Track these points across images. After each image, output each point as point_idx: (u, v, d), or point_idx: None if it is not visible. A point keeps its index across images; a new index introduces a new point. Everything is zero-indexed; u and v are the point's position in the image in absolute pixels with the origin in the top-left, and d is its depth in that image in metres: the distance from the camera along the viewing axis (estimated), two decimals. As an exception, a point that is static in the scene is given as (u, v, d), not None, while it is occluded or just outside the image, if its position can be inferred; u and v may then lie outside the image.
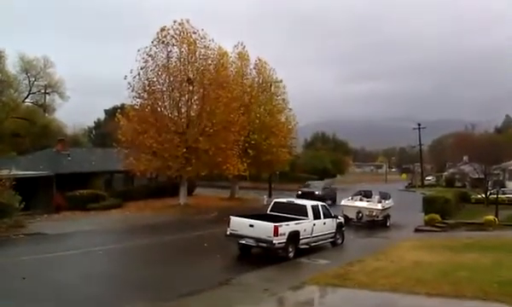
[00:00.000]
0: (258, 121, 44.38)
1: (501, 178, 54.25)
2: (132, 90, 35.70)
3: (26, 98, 54.78)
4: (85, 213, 31.26)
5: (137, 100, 36.41)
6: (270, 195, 47.33)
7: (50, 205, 31.29)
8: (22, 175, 29.23)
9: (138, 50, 35.18)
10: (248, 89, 45.77)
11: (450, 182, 72.21)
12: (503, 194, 42.88)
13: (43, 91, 54.89)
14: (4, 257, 17.87)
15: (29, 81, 53.95)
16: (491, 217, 28.19)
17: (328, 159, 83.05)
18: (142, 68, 35.37)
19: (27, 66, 53.25)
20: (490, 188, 41.34)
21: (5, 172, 26.31)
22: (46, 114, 55.84)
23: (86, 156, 41.19)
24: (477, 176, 48.61)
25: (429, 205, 31.24)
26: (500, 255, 18.17)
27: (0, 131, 49.52)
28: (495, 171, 47.44)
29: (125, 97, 37.61)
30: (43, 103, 55.45)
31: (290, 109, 49.69)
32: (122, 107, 43.28)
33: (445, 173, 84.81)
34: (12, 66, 52.39)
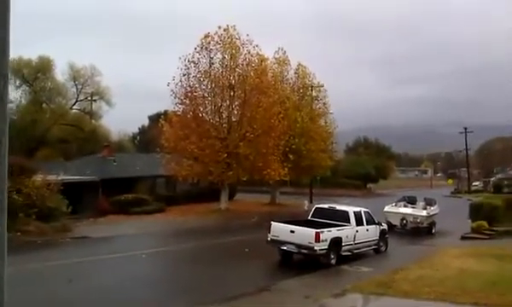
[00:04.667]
0: (298, 125, 44.24)
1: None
2: (175, 97, 36.54)
3: (73, 105, 56.60)
4: (129, 217, 31.94)
5: (180, 106, 37.22)
6: (311, 201, 47.02)
7: (96, 210, 32.24)
8: (69, 180, 30.27)
9: (180, 57, 35.90)
10: (289, 94, 45.74)
11: (498, 188, 69.63)
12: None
13: (89, 98, 56.54)
14: (52, 259, 18.45)
15: (76, 88, 55.75)
16: (542, 225, 27.01)
17: (370, 164, 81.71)
18: (184, 75, 36.13)
19: (75, 75, 55.05)
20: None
21: (53, 177, 27.28)
22: (93, 121, 57.47)
23: (131, 161, 42.16)
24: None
25: (476, 211, 30.22)
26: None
27: (48, 137, 51.44)
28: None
29: (168, 104, 38.48)
30: (90, 110, 57.08)
31: (331, 113, 49.37)
32: (165, 113, 44.17)
33: (493, 179, 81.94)
34: (61, 75, 54.37)
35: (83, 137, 53.15)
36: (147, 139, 66.22)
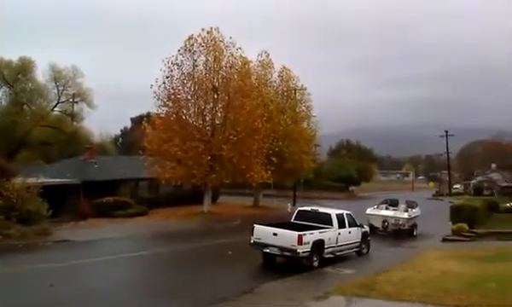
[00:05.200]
0: (281, 128, 44.34)
1: (531, 187, 52.94)
2: (158, 99, 36.27)
3: (54, 107, 55.85)
4: (111, 220, 31.62)
5: (163, 108, 36.92)
6: (294, 203, 47.15)
7: (77, 213, 31.78)
8: (50, 182, 29.84)
9: (163, 60, 35.73)
10: (272, 97, 45.84)
11: (478, 191, 70.78)
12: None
13: (71, 100, 55.88)
14: (32, 263, 18.15)
15: (58, 90, 55.01)
16: (521, 227, 27.47)
17: (353, 166, 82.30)
18: (167, 77, 35.89)
19: (57, 76, 54.34)
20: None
21: (33, 180, 26.87)
22: (74, 123, 56.78)
23: (113, 164, 41.70)
24: (506, 185, 47.57)
25: (457, 213, 30.59)
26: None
27: (29, 139, 50.67)
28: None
29: (151, 106, 38.18)
30: (72, 112, 56.39)
31: (314, 116, 49.62)
32: (148, 115, 43.84)
33: (473, 181, 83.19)
34: (42, 76, 53.64)
35: (64, 139, 52.42)
36: (129, 141, 65.70)
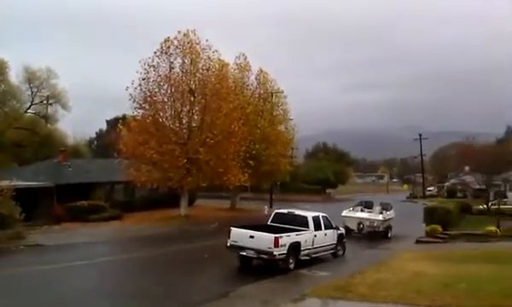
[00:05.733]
0: (258, 131, 44.44)
1: (502, 189, 54.04)
2: (134, 101, 35.91)
3: (28, 108, 54.73)
4: (86, 224, 31.22)
5: (139, 110, 36.60)
6: (271, 206, 47.26)
7: (51, 217, 31.26)
8: (23, 186, 29.25)
9: (140, 61, 35.46)
10: (249, 100, 45.92)
11: (451, 193, 72.05)
12: (505, 204, 42.67)
13: (45, 102, 54.88)
14: (4, 268, 17.81)
15: (31, 91, 53.92)
16: (492, 228, 28.02)
17: (329, 169, 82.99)
18: (143, 79, 35.59)
19: (31, 77, 53.30)
20: (491, 199, 41.15)
21: (6, 183, 26.32)
22: (48, 125, 55.78)
23: (87, 167, 41.17)
24: (478, 187, 48.48)
25: (430, 216, 31.06)
26: (502, 266, 18.04)
27: (1, 142, 49.52)
28: (496, 182, 47.30)
29: (126, 108, 37.76)
30: (46, 113, 55.38)
31: (291, 119, 49.85)
32: (124, 117, 43.39)
33: (447, 184, 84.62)
34: (15, 77, 52.53)
35: (38, 142, 51.44)
36: (104, 144, 64.93)
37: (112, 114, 70.95)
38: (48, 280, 16.08)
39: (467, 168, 70.53)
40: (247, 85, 47.04)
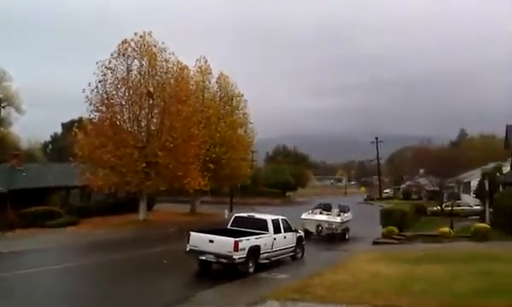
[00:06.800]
0: (218, 135, 44.32)
1: (456, 191, 55.97)
2: (90, 104, 35.17)
3: (-21, 111, 52.91)
4: (40, 230, 30.40)
5: (95, 113, 35.83)
6: (231, 209, 47.19)
7: (4, 223, 30.26)
8: (-27, 191, 28.14)
9: (97, 63, 34.80)
10: (210, 103, 45.76)
11: (407, 195, 73.97)
12: (458, 206, 44.17)
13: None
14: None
15: (-17, 94, 52.16)
16: (446, 229, 28.88)
17: (289, 172, 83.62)
18: (100, 81, 34.94)
19: (-18, 79, 51.51)
20: (445, 201, 42.49)
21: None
22: (1, 128, 53.98)
23: (42, 171, 40.04)
24: (433, 189, 49.98)
25: (387, 217, 31.78)
26: (455, 266, 18.60)
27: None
28: (450, 184, 48.91)
29: (83, 111, 36.86)
30: (-2, 116, 53.65)
31: (251, 123, 49.94)
32: (80, 120, 42.39)
33: (403, 186, 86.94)
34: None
35: (-11, 145, 49.73)
36: (60, 147, 63.22)
37: (68, 117, 69.03)
38: (2, 288, 15.50)
39: (421, 170, 72.80)
40: (208, 88, 46.84)
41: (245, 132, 49.59)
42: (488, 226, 29.41)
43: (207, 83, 46.63)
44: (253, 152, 57.95)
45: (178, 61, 37.82)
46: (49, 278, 17.77)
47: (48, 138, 77.51)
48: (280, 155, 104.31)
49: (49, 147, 76.13)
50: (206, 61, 45.90)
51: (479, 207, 44.06)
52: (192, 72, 43.74)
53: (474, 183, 51.52)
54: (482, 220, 33.79)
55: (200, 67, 45.70)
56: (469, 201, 49.58)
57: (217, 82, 47.35)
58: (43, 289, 15.99)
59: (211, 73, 46.62)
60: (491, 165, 49.86)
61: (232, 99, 47.98)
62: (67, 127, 61.93)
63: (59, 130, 75.15)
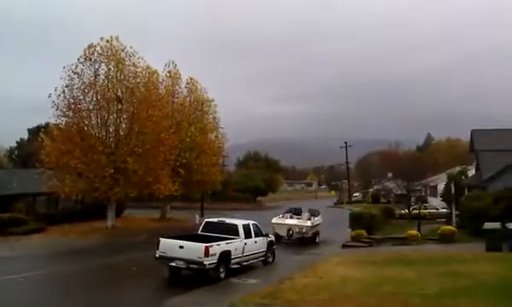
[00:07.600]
0: (189, 140, 44.06)
1: (423, 194, 57.01)
2: (57, 109, 34.44)
3: None
4: (5, 238, 29.57)
5: (62, 118, 35.10)
6: (202, 215, 46.93)
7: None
8: None
9: (64, 67, 34.18)
10: (179, 108, 45.47)
11: (375, 198, 75.02)
12: (425, 208, 45.05)
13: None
14: None
15: None
16: (414, 232, 29.42)
17: (259, 177, 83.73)
18: (67, 86, 34.30)
19: None
20: (412, 204, 43.25)
21: None
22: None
23: (7, 178, 39.03)
24: (400, 192, 50.80)
25: (356, 221, 32.16)
26: (423, 268, 18.96)
27: None
28: (417, 187, 49.80)
29: (49, 116, 36.07)
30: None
31: (222, 128, 49.84)
32: (46, 126, 41.48)
33: (371, 189, 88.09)
34: None
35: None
36: (26, 154, 61.64)
37: (34, 123, 67.30)
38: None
39: (390, 174, 73.82)
40: (178, 93, 46.53)
41: (216, 137, 49.47)
42: (454, 228, 30.10)
43: (177, 87, 46.33)
44: (224, 157, 57.77)
45: (148, 66, 37.49)
46: (12, 287, 17.22)
47: (13, 144, 75.48)
48: (251, 160, 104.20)
49: (14, 154, 74.10)
50: (175, 66, 45.64)
51: (445, 210, 45.09)
52: (161, 77, 43.36)
53: (441, 187, 52.80)
54: (449, 222, 34.55)
55: (169, 72, 45.38)
56: (436, 204, 50.72)
57: (186, 87, 47.12)
58: (5, 299, 15.50)
59: (180, 78, 46.38)
60: (457, 169, 51.14)
61: (202, 104, 47.78)
62: (34, 132, 60.52)
63: (25, 135, 73.31)
